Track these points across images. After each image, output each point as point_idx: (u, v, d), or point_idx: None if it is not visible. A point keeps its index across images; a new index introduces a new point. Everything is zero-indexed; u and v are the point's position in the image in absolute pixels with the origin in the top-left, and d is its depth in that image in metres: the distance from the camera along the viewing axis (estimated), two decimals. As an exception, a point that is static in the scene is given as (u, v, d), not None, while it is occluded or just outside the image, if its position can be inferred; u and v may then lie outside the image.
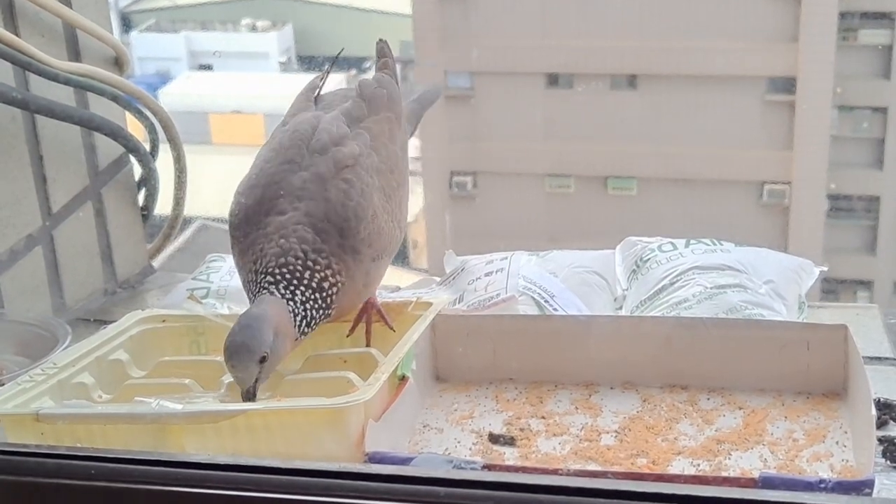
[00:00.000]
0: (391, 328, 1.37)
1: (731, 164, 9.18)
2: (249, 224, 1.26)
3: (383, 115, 1.35)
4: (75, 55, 1.76)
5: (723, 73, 9.03)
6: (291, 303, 1.22)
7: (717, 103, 9.12)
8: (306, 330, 1.23)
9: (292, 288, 1.22)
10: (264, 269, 1.23)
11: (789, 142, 8.93)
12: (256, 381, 1.19)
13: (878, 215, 8.79)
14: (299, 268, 1.22)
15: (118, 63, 1.83)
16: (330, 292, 1.24)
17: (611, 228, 8.25)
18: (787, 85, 8.88)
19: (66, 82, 1.69)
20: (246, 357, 1.18)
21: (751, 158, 9.15)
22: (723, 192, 9.23)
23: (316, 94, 1.41)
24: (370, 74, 1.44)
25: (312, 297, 1.23)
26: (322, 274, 1.23)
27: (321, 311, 1.24)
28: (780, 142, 8.98)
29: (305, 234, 1.23)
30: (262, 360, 1.18)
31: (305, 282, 1.22)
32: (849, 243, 8.64)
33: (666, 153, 9.19)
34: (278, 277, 1.22)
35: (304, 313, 1.22)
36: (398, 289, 1.66)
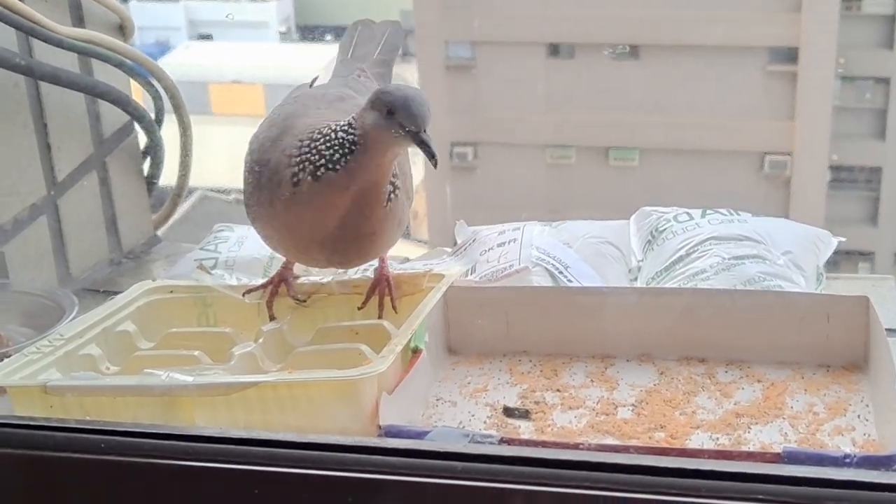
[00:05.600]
0: (394, 308, 1.35)
1: (732, 134, 9.13)
2: (274, 146, 1.25)
3: None
4: (79, 21, 1.73)
5: (725, 43, 8.97)
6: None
7: (719, 73, 9.07)
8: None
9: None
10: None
11: (791, 112, 8.88)
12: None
13: (880, 186, 8.76)
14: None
15: (122, 29, 1.81)
16: (395, 183, 1.24)
17: (612, 199, 8.22)
18: (790, 55, 8.82)
19: (71, 48, 1.67)
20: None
21: (752, 129, 9.10)
22: (724, 163, 9.19)
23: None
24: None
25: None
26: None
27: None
28: (782, 112, 8.93)
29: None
30: None
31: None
32: (850, 214, 8.61)
33: (668, 123, 9.14)
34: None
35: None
36: (407, 260, 1.64)
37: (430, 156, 1.17)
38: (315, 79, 1.44)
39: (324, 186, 1.21)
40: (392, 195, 1.24)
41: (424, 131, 1.16)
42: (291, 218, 1.25)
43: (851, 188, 9.00)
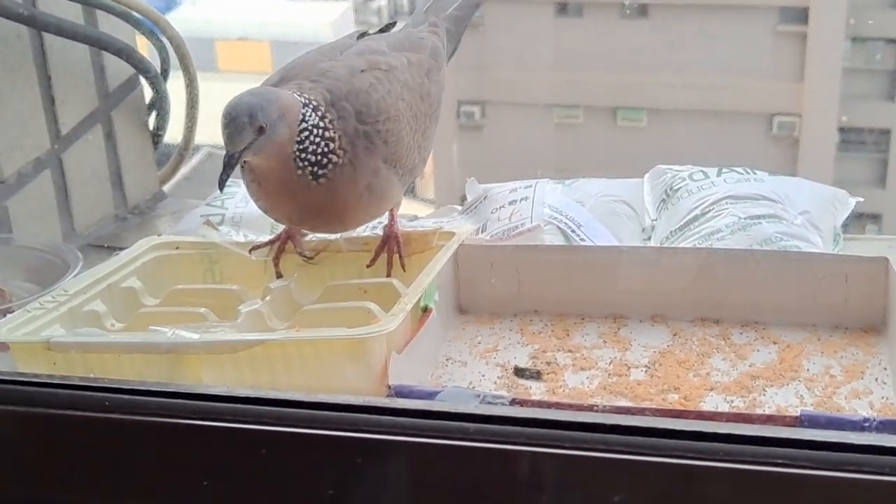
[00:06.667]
0: (402, 266, 1.33)
1: (741, 95, 9.08)
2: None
3: (425, 56, 1.34)
4: (84, -29, 1.70)
5: (734, 3, 8.92)
6: (307, 115, 1.18)
7: (728, 34, 9.01)
8: (298, 152, 1.18)
9: (310, 109, 1.19)
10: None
11: (800, 73, 8.83)
12: (244, 149, 1.14)
13: (889, 148, 8.72)
14: (321, 108, 1.19)
15: (127, -20, 1.78)
16: (329, 157, 1.19)
17: (620, 159, 8.20)
18: (800, 15, 8.76)
19: (75, -1, 1.64)
20: (246, 119, 1.13)
21: (761, 90, 9.05)
22: (733, 124, 9.15)
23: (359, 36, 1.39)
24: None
25: (318, 136, 1.18)
26: (331, 134, 1.19)
27: (316, 158, 1.19)
28: (792, 73, 8.88)
29: (328, 99, 1.21)
30: (260, 130, 1.14)
31: (321, 121, 1.19)
32: (859, 176, 8.57)
33: (676, 84, 9.09)
34: (303, 94, 1.19)
35: (308, 135, 1.18)
36: (416, 218, 1.61)
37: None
38: (392, 24, 1.44)
39: (246, 170, 1.22)
40: (323, 172, 1.19)
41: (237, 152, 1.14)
42: (250, 193, 1.27)
43: (860, 150, 8.96)
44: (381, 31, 1.42)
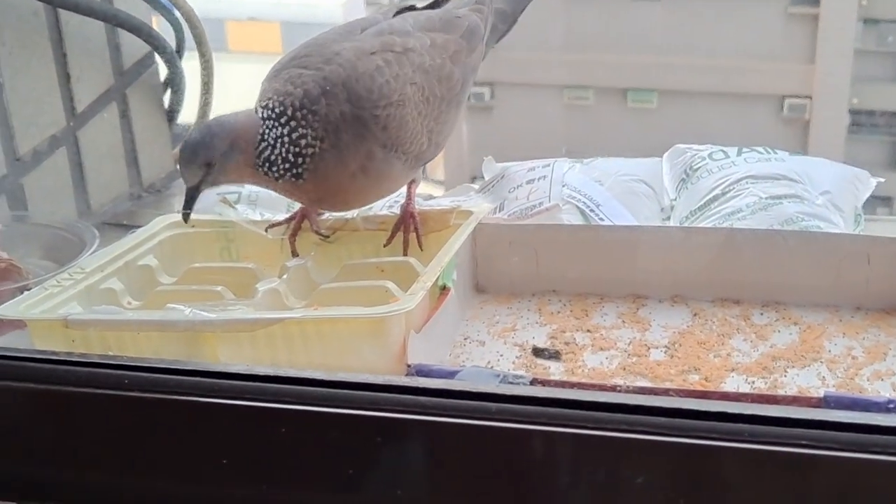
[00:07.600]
0: (419, 245, 1.32)
1: (751, 77, 8.99)
2: (277, 74, 1.25)
3: (454, 37, 1.32)
4: (99, -51, 1.69)
5: (746, -16, 8.87)
6: (266, 131, 1.20)
7: (739, 15, 8.93)
8: (266, 168, 1.20)
9: (272, 122, 1.20)
10: (263, 100, 1.22)
11: (811, 55, 8.76)
12: (200, 184, 1.19)
13: (901, 131, 8.67)
14: (287, 112, 1.20)
15: (142, -41, 1.77)
16: (304, 152, 1.20)
17: (630, 141, 8.13)
18: (812, -3, 8.71)
19: (90, -24, 1.63)
20: (190, 157, 1.19)
21: (772, 71, 8.96)
22: (743, 106, 9.06)
23: (397, 11, 1.37)
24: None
25: (285, 144, 1.20)
26: (303, 131, 1.20)
27: (289, 164, 1.20)
28: (803, 55, 8.80)
29: (312, 91, 1.20)
30: (208, 165, 1.18)
31: (285, 128, 1.20)
32: (869, 159, 8.50)
33: (686, 65, 9.02)
34: (268, 106, 1.21)
35: (270, 150, 1.20)
36: (432, 197, 1.60)
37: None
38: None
39: None
40: (303, 169, 1.21)
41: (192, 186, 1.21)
42: None
43: (871, 132, 8.89)
44: (430, 6, 1.40)
